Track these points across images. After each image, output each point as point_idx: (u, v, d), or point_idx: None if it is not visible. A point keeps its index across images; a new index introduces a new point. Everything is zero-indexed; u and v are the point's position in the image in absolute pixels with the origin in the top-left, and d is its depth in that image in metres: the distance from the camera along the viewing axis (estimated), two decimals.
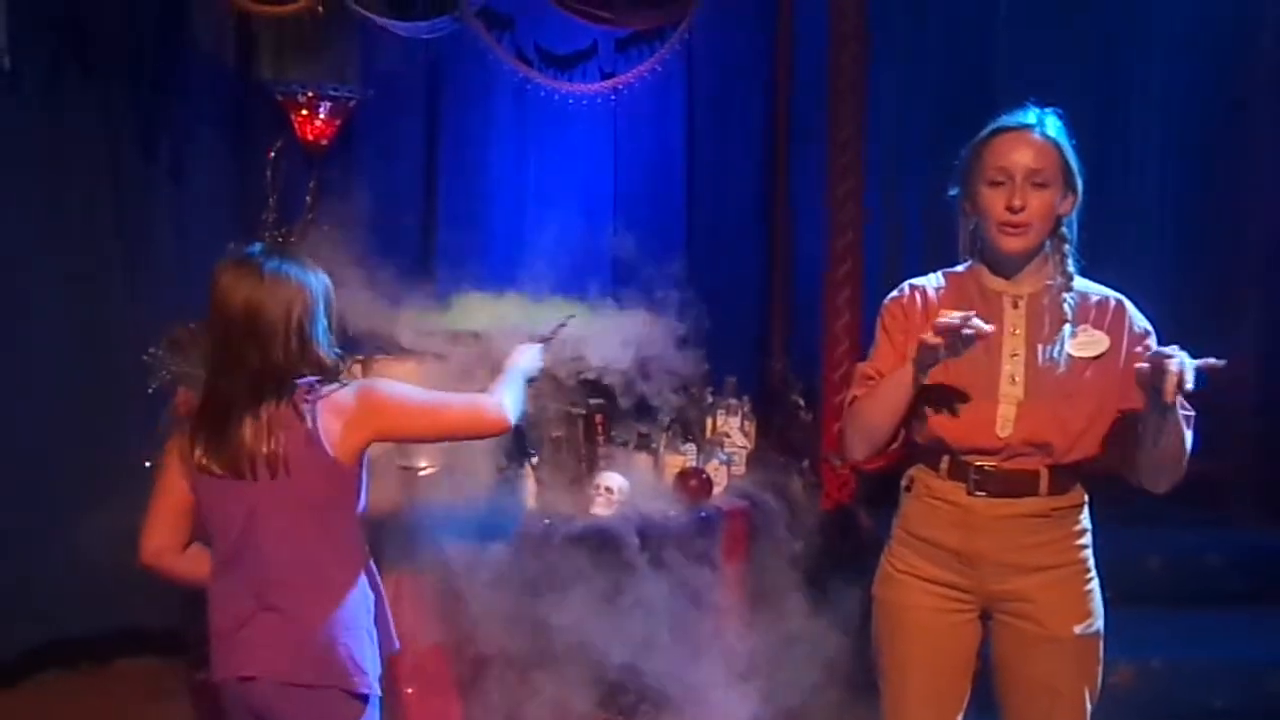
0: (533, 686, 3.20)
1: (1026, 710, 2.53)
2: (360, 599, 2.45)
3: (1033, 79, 5.06)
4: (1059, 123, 2.48)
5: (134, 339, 3.91)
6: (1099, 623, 2.51)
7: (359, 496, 2.44)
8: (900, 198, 5.14)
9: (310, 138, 4.14)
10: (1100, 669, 2.52)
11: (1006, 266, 2.52)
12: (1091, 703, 2.52)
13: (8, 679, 4.02)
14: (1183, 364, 2.18)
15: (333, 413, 2.36)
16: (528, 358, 2.82)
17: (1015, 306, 2.50)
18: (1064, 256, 2.50)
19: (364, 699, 2.42)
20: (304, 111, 4.11)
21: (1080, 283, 2.52)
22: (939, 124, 5.17)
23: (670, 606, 3.27)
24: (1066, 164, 2.44)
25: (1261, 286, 4.96)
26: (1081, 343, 2.45)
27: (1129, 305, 2.52)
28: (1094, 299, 2.50)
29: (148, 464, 3.46)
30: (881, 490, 4.22)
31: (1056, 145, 2.44)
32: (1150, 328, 2.50)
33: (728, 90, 5.07)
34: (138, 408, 3.63)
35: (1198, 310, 5.05)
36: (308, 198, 4.10)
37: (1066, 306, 2.47)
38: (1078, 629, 2.48)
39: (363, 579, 2.46)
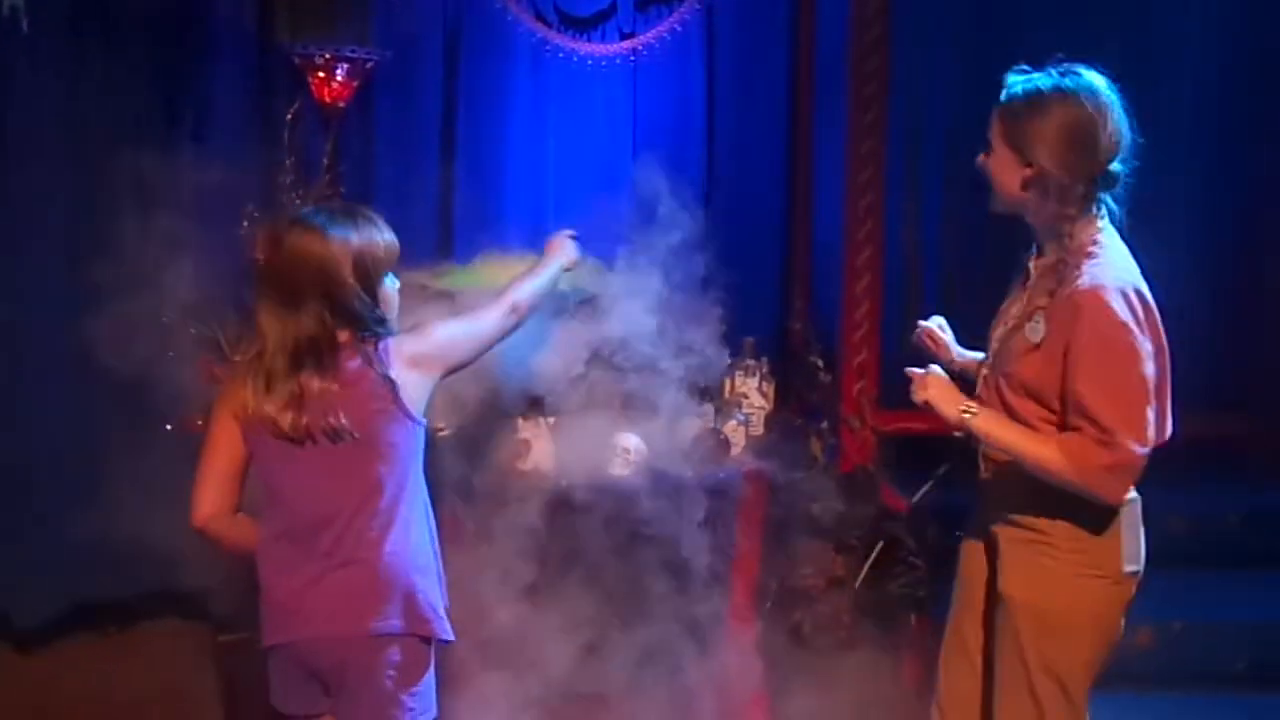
0: (548, 645, 3.22)
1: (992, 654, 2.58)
2: (430, 547, 2.50)
3: (1060, 33, 5.04)
4: (1022, 86, 2.40)
5: (153, 303, 3.94)
6: (1063, 605, 2.43)
7: (423, 446, 2.48)
8: (923, 157, 5.11)
9: (328, 99, 4.13)
10: (1058, 654, 2.43)
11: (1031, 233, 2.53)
12: (1035, 679, 2.44)
13: (36, 642, 4.07)
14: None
15: (407, 363, 2.42)
16: (565, 250, 3.00)
17: (1027, 277, 2.52)
18: (1062, 233, 2.41)
19: (432, 644, 2.49)
20: (321, 73, 4.09)
21: (1087, 263, 2.36)
22: (964, 84, 5.13)
23: (687, 567, 3.28)
24: (1006, 131, 2.39)
25: None
26: (1030, 327, 2.42)
27: (1092, 309, 2.31)
28: (1069, 287, 2.35)
29: (169, 427, 3.50)
30: (900, 453, 4.24)
31: (998, 111, 2.42)
32: (1110, 336, 2.29)
33: (749, 50, 5.02)
34: (158, 373, 3.65)
35: (1226, 272, 5.03)
36: (325, 159, 4.09)
37: (1049, 287, 2.40)
38: (1014, 593, 2.47)
39: (427, 529, 2.50)
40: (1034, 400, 2.40)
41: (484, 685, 3.23)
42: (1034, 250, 2.54)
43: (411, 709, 2.45)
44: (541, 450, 3.42)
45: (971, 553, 2.66)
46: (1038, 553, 2.45)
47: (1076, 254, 2.37)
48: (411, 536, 2.45)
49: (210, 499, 2.45)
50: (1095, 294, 2.30)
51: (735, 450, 3.65)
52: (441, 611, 2.49)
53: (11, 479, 3.96)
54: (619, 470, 3.40)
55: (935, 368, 2.49)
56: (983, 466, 2.57)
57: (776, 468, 3.66)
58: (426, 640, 2.47)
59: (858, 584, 3.67)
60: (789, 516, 3.61)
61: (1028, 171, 2.39)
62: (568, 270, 3.03)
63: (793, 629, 3.62)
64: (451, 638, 2.50)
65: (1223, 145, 5.11)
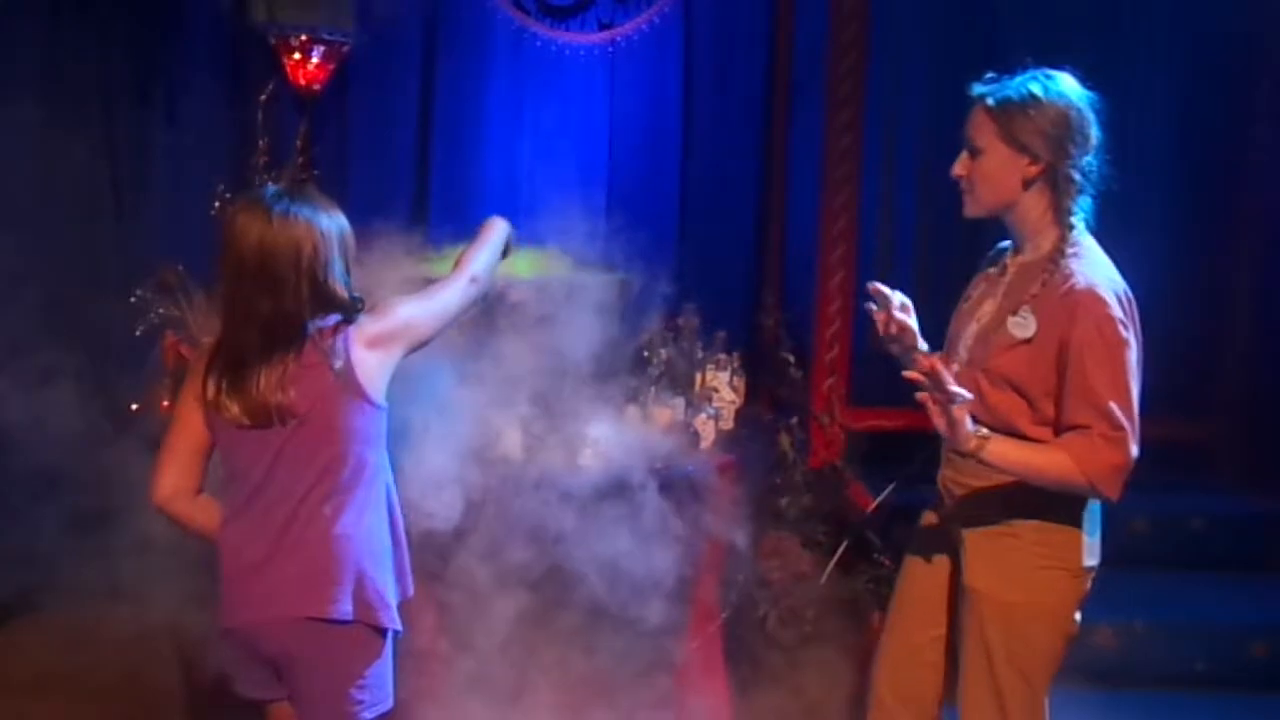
0: (518, 639, 3.22)
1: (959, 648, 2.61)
2: (383, 535, 2.45)
3: (1033, 32, 5.07)
4: (1013, 89, 2.46)
5: (123, 281, 3.91)
6: (1023, 597, 2.47)
7: (385, 431, 2.44)
8: (898, 155, 5.12)
9: (303, 82, 4.11)
10: (1019, 645, 2.49)
11: (1005, 231, 2.55)
12: (999, 671, 2.50)
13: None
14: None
15: (365, 344, 2.37)
16: (500, 230, 2.87)
17: (1004, 274, 2.55)
18: (1059, 229, 2.46)
19: (385, 634, 2.44)
20: (297, 55, 4.08)
21: (1075, 262, 2.41)
22: (940, 83, 5.15)
23: (654, 559, 3.28)
24: (1005, 130, 2.44)
25: (1251, 257, 4.96)
26: (1016, 322, 2.45)
27: (1091, 306, 2.37)
28: (1059, 283, 2.40)
29: (134, 407, 3.48)
30: (869, 450, 4.25)
31: (989, 112, 2.45)
32: (1109, 333, 2.35)
33: (726, 44, 5.03)
34: (126, 351, 3.62)
35: (1190, 278, 5.06)
36: (298, 142, 4.07)
37: (1039, 282, 2.43)
38: (979, 585, 2.52)
39: (385, 516, 2.46)
40: (1015, 392, 2.44)
41: (448, 675, 3.22)
42: (1009, 249, 2.58)
43: (360, 700, 2.41)
44: (510, 440, 3.41)
45: (928, 551, 2.69)
46: (1002, 546, 2.49)
47: (1070, 249, 2.43)
48: (365, 521, 2.40)
49: (170, 478, 2.42)
50: (1093, 293, 2.36)
51: (704, 444, 3.65)
52: (390, 600, 2.42)
53: None
54: (588, 462, 3.40)
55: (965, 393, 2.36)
56: (950, 474, 2.60)
57: (745, 462, 3.67)
58: (378, 630, 2.43)
59: (823, 580, 3.68)
60: (757, 511, 3.61)
61: (1032, 169, 2.44)
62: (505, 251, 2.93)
63: (758, 623, 3.63)
64: (399, 628, 2.46)
65: (1190, 151, 5.15)
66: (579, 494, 3.29)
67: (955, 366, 2.54)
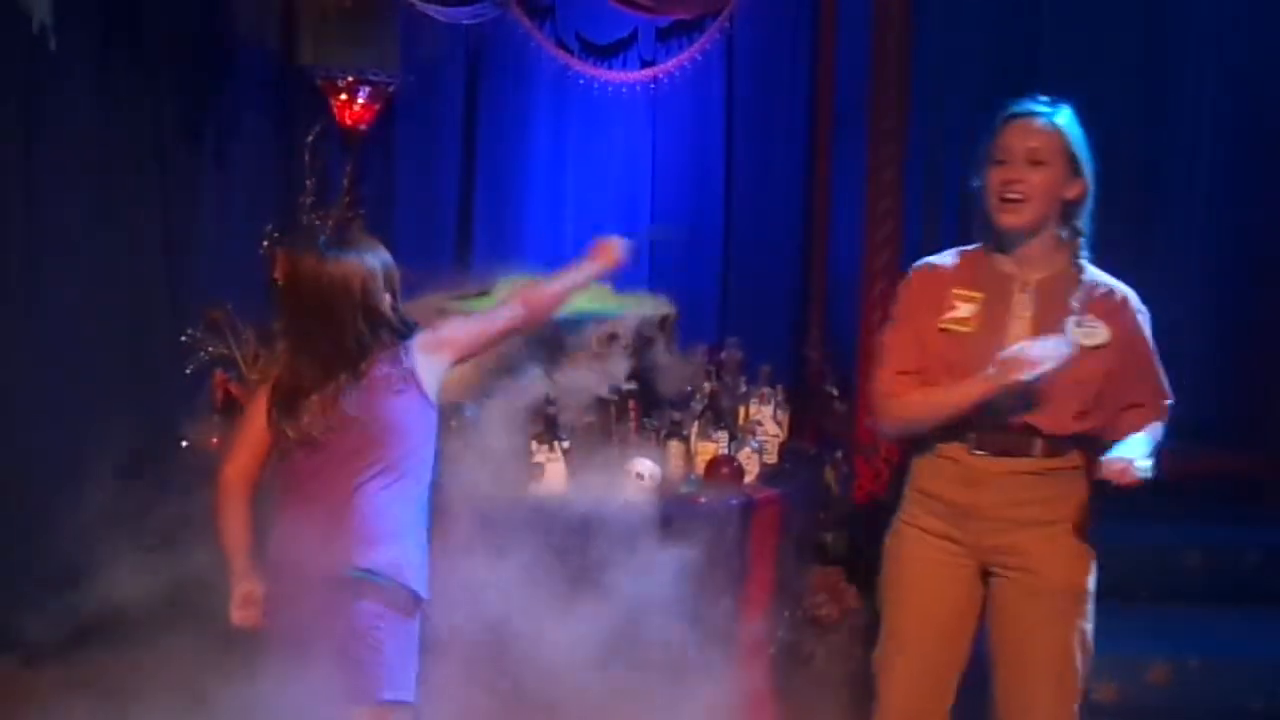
0: (554, 670, 3.21)
1: (1019, 658, 2.65)
2: (421, 521, 2.68)
3: (1078, 61, 5.06)
4: (1069, 113, 2.63)
5: (174, 320, 3.96)
6: (1090, 580, 2.65)
7: (435, 430, 2.69)
8: (941, 189, 5.11)
9: (349, 122, 4.17)
10: (1089, 625, 2.64)
11: (1011, 247, 2.65)
12: (1083, 654, 2.63)
13: (45, 658, 4.05)
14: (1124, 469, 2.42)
15: (422, 349, 2.65)
16: (609, 251, 2.97)
17: (1023, 290, 2.63)
18: (1078, 247, 2.63)
19: (420, 602, 2.64)
20: (343, 96, 4.14)
21: (1091, 273, 2.64)
22: (982, 116, 5.14)
23: (700, 595, 3.26)
24: (1069, 149, 2.59)
25: None
26: (1085, 332, 2.58)
27: (1132, 299, 2.65)
28: (1100, 290, 2.62)
29: (184, 443, 3.52)
30: None
31: (1058, 129, 2.60)
32: (1146, 319, 2.65)
33: (768, 79, 5.05)
34: (176, 388, 3.67)
35: (1241, 308, 5.01)
36: (345, 181, 4.12)
37: (1075, 296, 2.60)
38: (1068, 581, 2.63)
39: (424, 508, 2.69)
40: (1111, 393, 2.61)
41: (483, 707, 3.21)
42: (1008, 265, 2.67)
43: (380, 669, 2.55)
44: (555, 473, 3.42)
45: (946, 573, 2.70)
46: (1063, 535, 2.62)
47: (1078, 265, 2.63)
48: (409, 504, 2.64)
49: (242, 457, 2.67)
50: (1131, 294, 2.63)
51: (749, 478, 3.64)
52: (424, 571, 2.64)
53: (23, 491, 3.97)
54: (632, 495, 3.39)
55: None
56: (985, 481, 2.63)
57: (790, 496, 3.65)
58: (409, 593, 2.60)
59: (870, 615, 3.65)
60: (802, 545, 3.60)
61: (1079, 189, 2.60)
62: (609, 269, 3.00)
63: (806, 659, 3.60)
64: (428, 596, 2.64)
65: (1235, 172, 5.11)
66: (622, 529, 3.28)
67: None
